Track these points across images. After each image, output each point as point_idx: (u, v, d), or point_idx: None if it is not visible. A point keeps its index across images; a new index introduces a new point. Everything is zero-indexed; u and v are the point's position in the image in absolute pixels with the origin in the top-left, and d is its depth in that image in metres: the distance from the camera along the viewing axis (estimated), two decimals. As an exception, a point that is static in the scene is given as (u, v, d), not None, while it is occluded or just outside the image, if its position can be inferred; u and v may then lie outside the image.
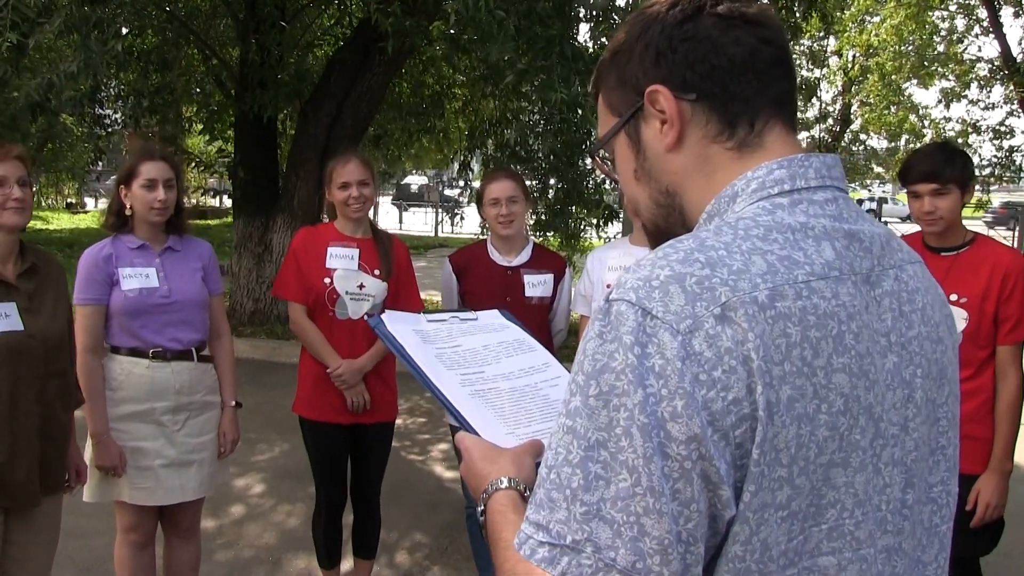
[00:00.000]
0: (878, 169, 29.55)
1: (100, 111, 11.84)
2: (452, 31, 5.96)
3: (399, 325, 1.56)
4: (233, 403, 3.64)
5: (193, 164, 12.24)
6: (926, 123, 24.00)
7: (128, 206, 3.40)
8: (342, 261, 3.81)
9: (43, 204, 30.48)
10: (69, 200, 32.32)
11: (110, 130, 13.07)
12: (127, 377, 3.37)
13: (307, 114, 9.77)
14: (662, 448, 0.91)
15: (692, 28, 1.11)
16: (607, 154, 1.26)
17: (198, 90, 12.28)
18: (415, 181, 38.49)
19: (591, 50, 7.12)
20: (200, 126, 12.02)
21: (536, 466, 1.25)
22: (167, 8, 10.18)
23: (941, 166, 3.15)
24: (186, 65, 11.97)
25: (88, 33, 6.17)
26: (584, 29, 11.38)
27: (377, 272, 3.83)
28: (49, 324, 2.96)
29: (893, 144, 26.74)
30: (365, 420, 3.84)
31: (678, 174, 1.15)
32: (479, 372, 1.52)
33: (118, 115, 12.39)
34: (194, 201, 30.34)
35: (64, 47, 7.43)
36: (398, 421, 4.36)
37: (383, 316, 1.57)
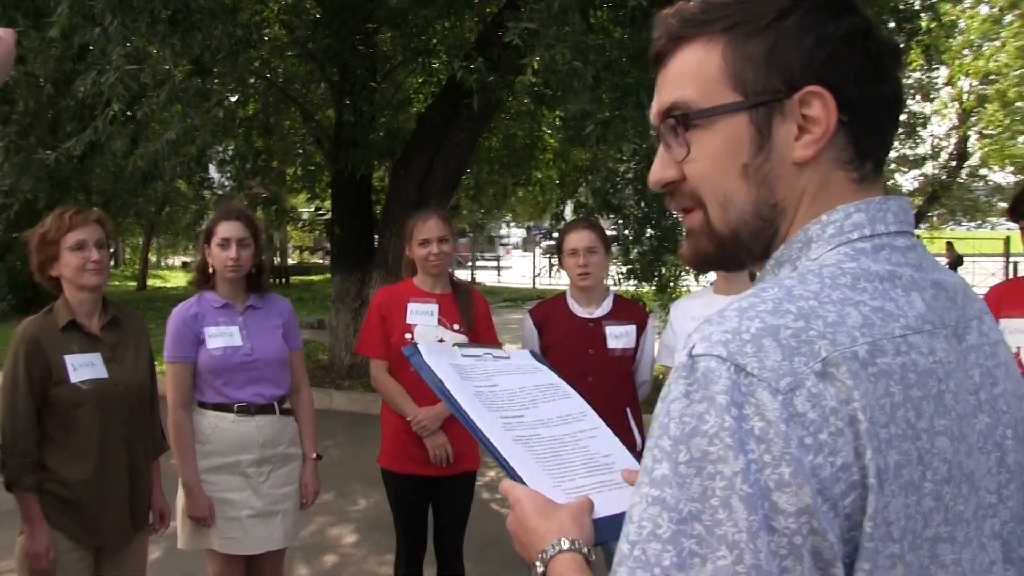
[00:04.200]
0: (1002, 204, 27.76)
1: (205, 175, 12.33)
2: (535, 85, 6.08)
3: (436, 357, 1.48)
4: (314, 455, 3.75)
5: (298, 223, 12.63)
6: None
7: (210, 264, 3.57)
8: (422, 317, 3.88)
9: (161, 264, 31.77)
10: (184, 260, 33.59)
11: (218, 192, 13.61)
12: (214, 431, 3.52)
13: (399, 171, 10.01)
14: (767, 521, 0.80)
15: (873, 45, 0.98)
16: (680, 122, 1.03)
17: (299, 151, 12.71)
18: (516, 233, 38.78)
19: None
20: (301, 186, 12.43)
21: (594, 526, 1.20)
22: (267, 76, 10.61)
23: None
24: (287, 128, 12.42)
25: (189, 103, 6.50)
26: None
27: (456, 326, 3.89)
28: (132, 373, 3.19)
29: (1022, 176, 24.58)
30: (446, 472, 3.89)
31: (796, 192, 1.00)
32: (519, 416, 1.43)
33: (224, 178, 12.89)
34: (299, 258, 31.36)
35: (168, 119, 7.84)
36: (490, 473, 4.40)
37: (419, 346, 1.50)
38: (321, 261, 31.74)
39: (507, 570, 5.20)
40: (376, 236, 10.68)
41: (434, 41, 10.19)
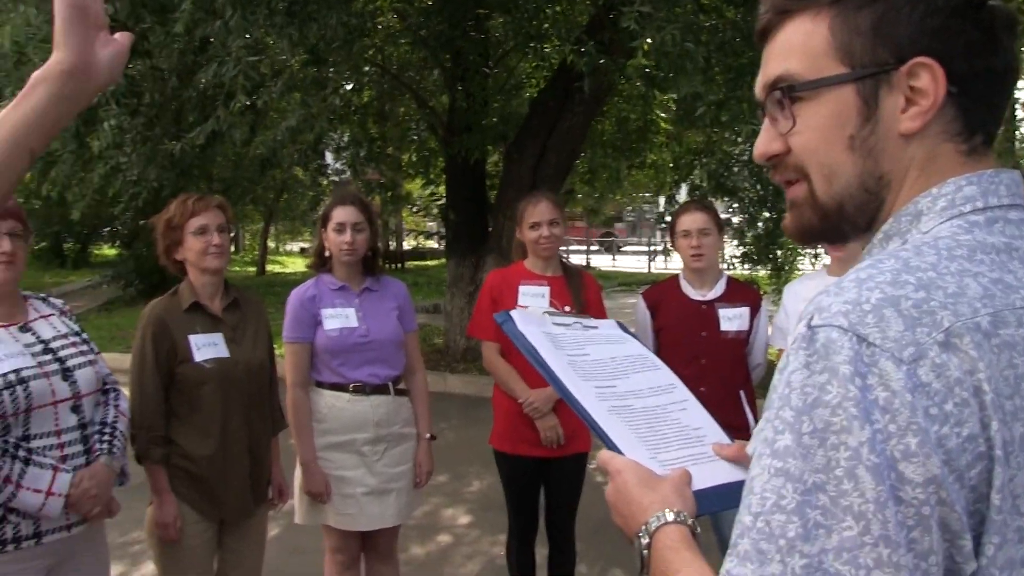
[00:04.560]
0: None
1: (322, 162, 12.62)
2: (646, 67, 6.01)
3: (528, 325, 1.48)
4: (428, 435, 3.81)
5: (413, 208, 12.83)
6: None
7: (327, 248, 3.66)
8: (533, 299, 3.90)
9: (279, 250, 32.69)
10: (302, 245, 34.45)
11: (334, 179, 13.92)
12: (330, 410, 3.61)
13: (512, 156, 10.05)
14: (895, 492, 0.80)
15: (986, 17, 0.96)
16: (799, 96, 1.03)
17: (413, 138, 12.89)
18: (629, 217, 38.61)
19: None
20: (416, 172, 12.61)
21: (694, 498, 1.19)
22: (381, 63, 10.78)
23: None
24: (401, 115, 12.60)
25: (306, 91, 6.67)
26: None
27: (568, 308, 3.90)
28: (252, 353, 3.31)
29: None
30: (557, 453, 3.91)
31: (903, 163, 0.99)
32: (611, 386, 1.41)
33: (340, 165, 13.17)
34: (414, 243, 31.83)
35: (286, 108, 8.04)
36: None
37: (512, 313, 1.50)
38: (436, 246, 32.20)
39: (619, 551, 5.20)
40: (490, 221, 10.77)
41: (546, 25, 10.18)
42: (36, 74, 1.13)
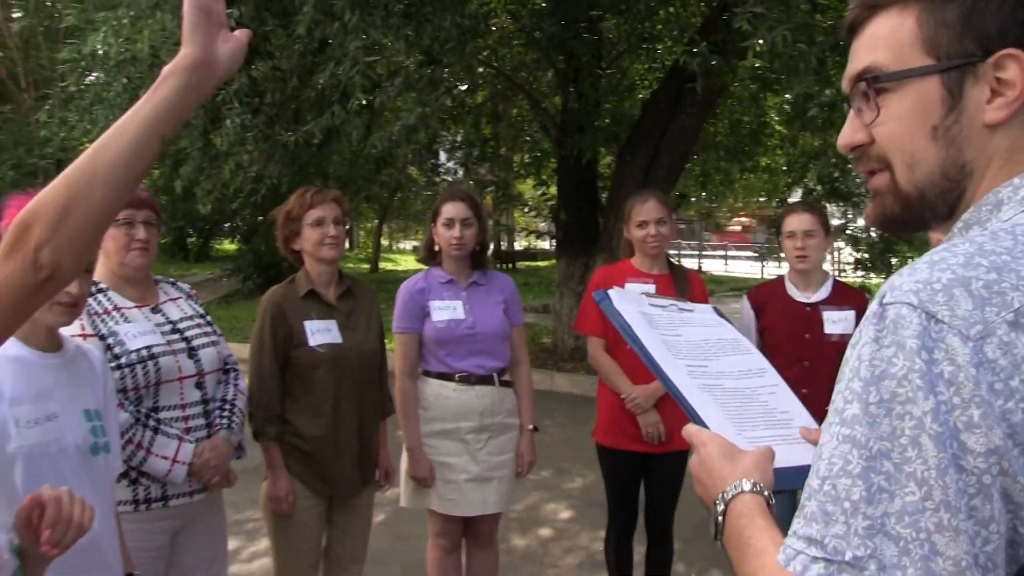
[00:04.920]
0: None
1: (436, 162, 12.86)
2: (758, 68, 5.98)
3: (625, 304, 1.52)
4: (531, 427, 3.89)
5: (524, 208, 12.96)
6: None
7: (437, 242, 3.78)
8: (638, 297, 3.94)
9: (393, 247, 33.31)
10: (415, 243, 35.03)
11: (447, 179, 14.17)
12: (436, 398, 3.72)
13: (625, 157, 10.07)
14: (956, 460, 0.83)
15: None
16: (884, 87, 1.06)
17: (527, 139, 13.02)
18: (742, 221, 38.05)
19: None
20: (528, 172, 12.74)
21: (774, 474, 1.22)
22: (494, 64, 10.93)
23: None
24: (514, 115, 12.75)
25: (422, 91, 6.85)
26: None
27: (672, 306, 3.92)
28: (364, 339, 3.46)
29: None
30: (659, 449, 3.94)
31: (986, 153, 1.01)
32: (703, 366, 1.45)
33: (453, 164, 13.39)
34: (525, 244, 32.02)
35: (401, 107, 8.23)
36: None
37: (610, 292, 1.54)
38: (548, 247, 32.32)
39: (719, 552, 5.17)
40: (601, 221, 10.80)
41: (659, 27, 10.18)
42: (166, 68, 1.28)
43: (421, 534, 5.02)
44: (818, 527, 0.88)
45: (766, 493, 1.15)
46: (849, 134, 1.11)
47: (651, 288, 3.94)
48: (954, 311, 0.86)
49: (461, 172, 12.81)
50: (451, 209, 3.73)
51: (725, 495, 1.15)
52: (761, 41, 5.53)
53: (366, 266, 27.02)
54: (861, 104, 1.09)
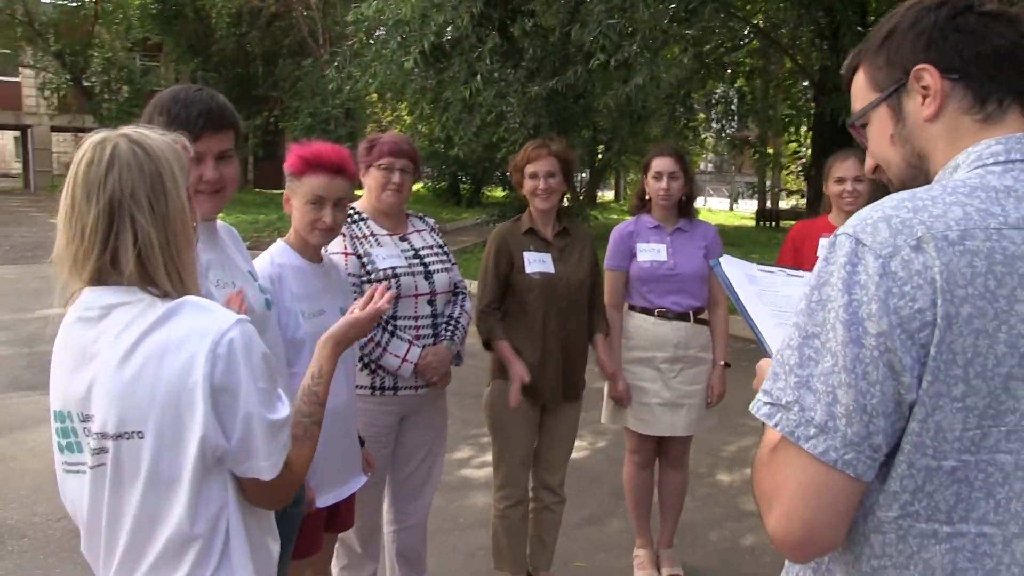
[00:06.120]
0: None
1: (687, 117, 13.08)
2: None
3: (734, 269, 1.73)
4: (723, 362, 4.27)
5: (778, 167, 12.95)
6: None
7: (647, 192, 4.22)
8: (828, 252, 4.18)
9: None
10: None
11: (705, 136, 14.35)
12: (637, 330, 4.20)
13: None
14: (859, 339, 1.16)
15: (963, 21, 1.33)
16: (863, 122, 1.47)
17: (784, 97, 12.98)
18: None
19: None
20: (783, 129, 12.72)
21: None
22: (756, 24, 11.01)
23: None
24: (773, 72, 12.74)
25: (660, 47, 7.20)
26: None
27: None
28: (574, 272, 3.93)
29: None
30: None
31: (930, 140, 1.37)
32: (789, 313, 1.48)
33: (713, 120, 13.56)
34: (791, 203, 31.27)
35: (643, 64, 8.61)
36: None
37: (721, 259, 1.74)
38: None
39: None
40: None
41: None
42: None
43: (619, 456, 5.53)
44: (769, 383, 1.27)
45: None
46: (867, 162, 1.53)
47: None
48: (875, 238, 1.20)
49: (719, 129, 12.91)
50: (660, 163, 4.15)
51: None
52: None
53: (628, 217, 27.23)
54: (862, 138, 1.51)
